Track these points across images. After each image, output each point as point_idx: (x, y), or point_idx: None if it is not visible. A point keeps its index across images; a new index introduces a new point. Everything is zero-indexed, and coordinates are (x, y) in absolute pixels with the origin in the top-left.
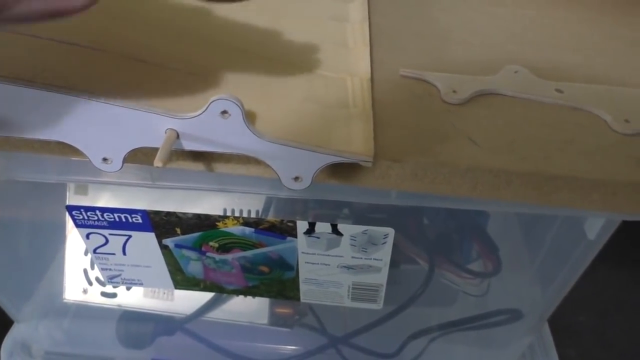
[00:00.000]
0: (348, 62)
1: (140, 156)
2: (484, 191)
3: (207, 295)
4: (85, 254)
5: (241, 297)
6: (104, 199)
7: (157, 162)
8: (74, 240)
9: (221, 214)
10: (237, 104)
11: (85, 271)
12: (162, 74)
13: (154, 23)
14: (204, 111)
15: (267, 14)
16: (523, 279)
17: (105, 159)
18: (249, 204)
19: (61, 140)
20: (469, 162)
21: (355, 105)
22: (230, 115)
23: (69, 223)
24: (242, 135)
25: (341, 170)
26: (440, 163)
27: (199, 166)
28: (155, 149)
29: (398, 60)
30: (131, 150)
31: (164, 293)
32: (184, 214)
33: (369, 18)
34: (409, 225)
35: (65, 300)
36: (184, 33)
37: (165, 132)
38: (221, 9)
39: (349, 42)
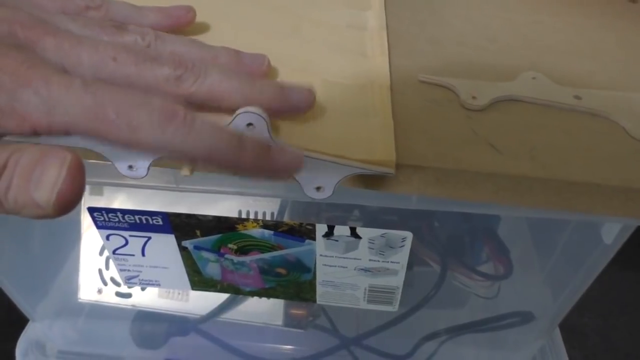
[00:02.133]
0: (367, 70)
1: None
2: (506, 197)
3: (220, 296)
4: (100, 253)
5: (255, 298)
6: (120, 200)
7: (185, 172)
8: (89, 240)
9: (237, 215)
10: (262, 117)
11: (100, 271)
12: None
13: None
14: (230, 123)
15: (286, 21)
16: (534, 282)
17: (130, 167)
18: (263, 205)
19: (88, 147)
20: (491, 169)
21: (375, 114)
22: (255, 127)
23: (85, 223)
24: None
25: (362, 176)
26: (463, 169)
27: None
28: None
29: (415, 66)
30: (157, 159)
31: (179, 293)
32: (204, 216)
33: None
34: (422, 227)
35: (80, 300)
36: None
37: None
38: (239, 15)
39: (368, 51)
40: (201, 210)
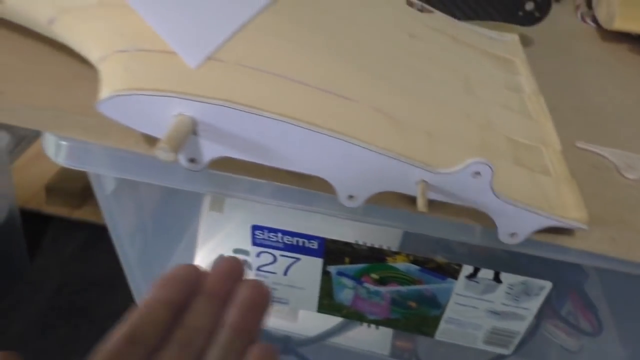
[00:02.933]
0: (537, 132)
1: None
2: None
3: (327, 319)
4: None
5: (364, 326)
6: (239, 217)
7: (423, 208)
8: (205, 250)
9: (352, 243)
10: (491, 168)
11: None
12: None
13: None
14: (460, 170)
15: (458, 79)
16: (616, 344)
17: (351, 197)
18: (379, 237)
19: (317, 174)
20: None
21: (556, 172)
22: (481, 176)
23: (201, 232)
24: (482, 193)
25: (546, 229)
26: (637, 231)
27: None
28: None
29: (568, 133)
30: (378, 193)
31: (288, 312)
32: (359, 245)
33: None
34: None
35: None
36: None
37: (417, 183)
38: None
39: (531, 113)
40: (322, 233)
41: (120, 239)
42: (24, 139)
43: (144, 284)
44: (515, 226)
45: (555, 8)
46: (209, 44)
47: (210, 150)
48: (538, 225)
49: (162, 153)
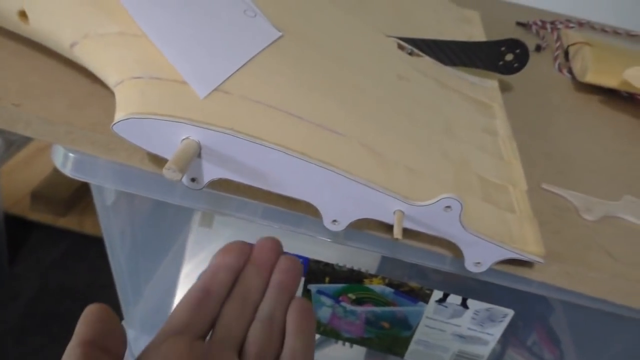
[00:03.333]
0: (506, 172)
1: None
2: (618, 296)
3: None
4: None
5: (339, 344)
6: (227, 234)
7: (398, 235)
8: (192, 264)
9: (333, 264)
10: (460, 203)
11: None
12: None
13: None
14: (433, 203)
15: (439, 119)
16: None
17: (334, 221)
18: (359, 262)
19: (305, 199)
20: (611, 271)
21: (520, 211)
22: (452, 210)
23: (189, 246)
24: (452, 225)
25: (507, 260)
26: (592, 268)
27: (388, 235)
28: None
29: (535, 174)
30: (360, 219)
31: None
32: (340, 266)
33: None
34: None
35: None
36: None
37: (395, 213)
38: (401, 109)
39: (503, 155)
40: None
41: (114, 248)
42: (13, 143)
43: (131, 293)
44: (480, 256)
45: (535, 57)
46: (217, 77)
47: (210, 172)
48: (500, 257)
49: (169, 173)
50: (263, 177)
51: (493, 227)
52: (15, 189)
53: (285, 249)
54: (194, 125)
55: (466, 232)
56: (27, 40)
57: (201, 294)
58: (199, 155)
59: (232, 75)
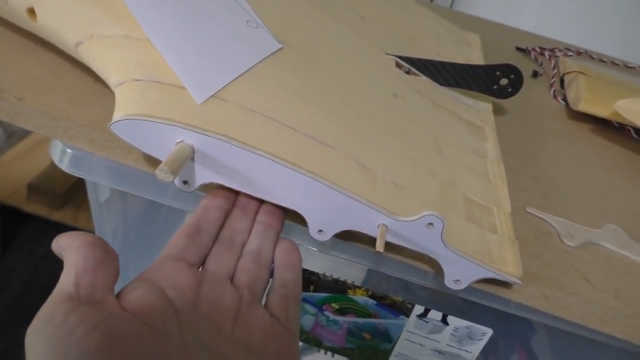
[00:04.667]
0: (492, 194)
1: None
2: (592, 321)
3: None
4: None
5: (321, 353)
6: None
7: (380, 248)
8: None
9: (319, 273)
10: (442, 221)
11: None
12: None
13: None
14: (416, 219)
15: (430, 139)
16: None
17: (320, 231)
18: (346, 273)
19: (293, 207)
20: (587, 297)
21: (502, 232)
22: (434, 227)
23: None
24: (433, 242)
25: (487, 280)
26: (568, 293)
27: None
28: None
29: (521, 198)
30: (345, 230)
31: None
32: (325, 275)
33: None
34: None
35: None
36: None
37: (379, 226)
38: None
39: (490, 177)
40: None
41: None
42: (13, 135)
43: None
44: (460, 274)
45: (532, 83)
46: (215, 84)
47: (202, 176)
48: (479, 275)
49: (161, 174)
50: (253, 183)
51: (474, 246)
52: (12, 180)
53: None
54: (188, 130)
55: (447, 250)
56: (33, 36)
57: (194, 229)
58: (192, 159)
59: (230, 83)
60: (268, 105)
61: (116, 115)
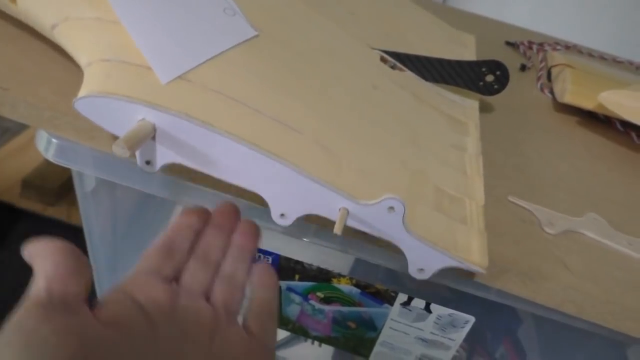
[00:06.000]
0: (466, 186)
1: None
2: (571, 308)
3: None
4: None
5: (308, 343)
6: None
7: (337, 231)
8: None
9: (303, 262)
10: (403, 205)
11: None
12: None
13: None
14: (376, 203)
15: (406, 131)
16: None
17: (282, 215)
18: (332, 263)
19: (255, 190)
20: (566, 283)
21: (472, 223)
22: (395, 211)
23: None
24: (394, 227)
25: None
26: (547, 279)
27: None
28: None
29: (504, 187)
30: (306, 214)
31: None
32: (310, 265)
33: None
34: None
35: None
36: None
37: (339, 209)
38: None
39: (467, 170)
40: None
41: (92, 238)
42: (8, 130)
43: (108, 284)
44: (423, 262)
45: (520, 76)
46: (183, 65)
47: (165, 156)
48: (443, 264)
49: (118, 149)
50: (214, 164)
51: (439, 235)
52: (6, 175)
53: (259, 246)
54: (149, 107)
55: (409, 236)
56: (19, 26)
57: (166, 246)
58: (154, 138)
59: (198, 65)
60: (234, 88)
61: (80, 93)
